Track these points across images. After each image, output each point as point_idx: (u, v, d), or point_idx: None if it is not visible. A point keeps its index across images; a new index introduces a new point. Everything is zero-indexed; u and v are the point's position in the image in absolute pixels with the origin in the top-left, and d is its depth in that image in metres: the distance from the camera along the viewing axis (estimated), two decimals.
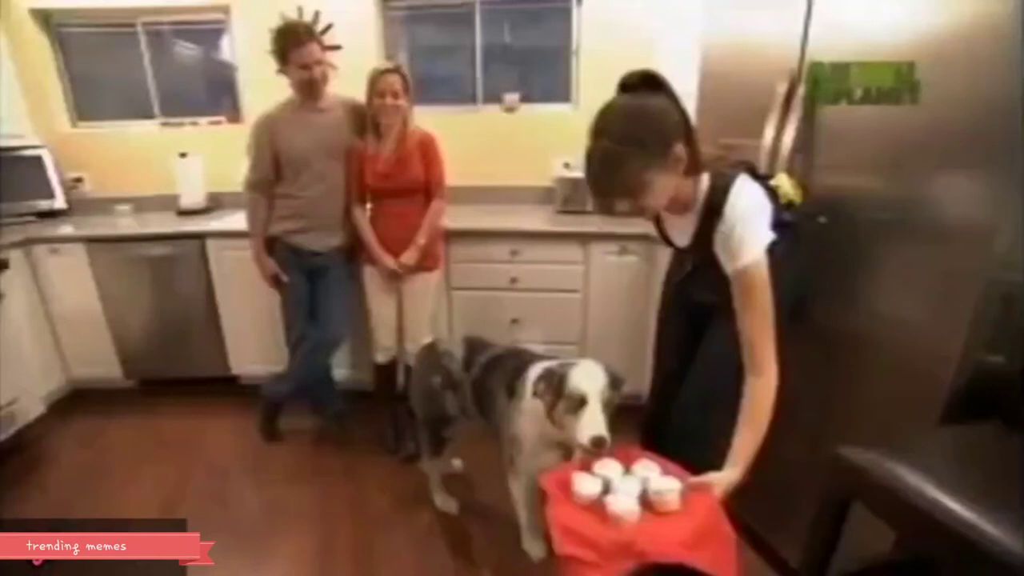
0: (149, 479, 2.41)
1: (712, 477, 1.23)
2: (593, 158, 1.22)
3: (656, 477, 1.27)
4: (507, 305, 2.71)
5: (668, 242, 1.57)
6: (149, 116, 3.32)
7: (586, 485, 1.27)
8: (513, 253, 2.63)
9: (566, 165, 2.99)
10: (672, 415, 1.78)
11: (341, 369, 2.83)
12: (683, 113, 1.23)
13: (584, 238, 2.57)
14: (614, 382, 1.49)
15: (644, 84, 1.23)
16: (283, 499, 2.28)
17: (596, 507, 1.23)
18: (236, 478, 2.43)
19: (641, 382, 2.21)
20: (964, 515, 0.90)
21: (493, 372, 1.84)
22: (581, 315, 2.69)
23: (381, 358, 2.54)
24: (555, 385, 1.50)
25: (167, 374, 3.09)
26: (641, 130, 1.18)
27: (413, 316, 2.46)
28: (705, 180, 1.31)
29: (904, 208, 1.32)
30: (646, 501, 1.21)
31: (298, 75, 2.22)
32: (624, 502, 1.19)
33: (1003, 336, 1.24)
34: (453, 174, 2.44)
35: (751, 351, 1.27)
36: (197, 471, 2.46)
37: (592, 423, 1.40)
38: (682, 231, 1.42)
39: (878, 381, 1.44)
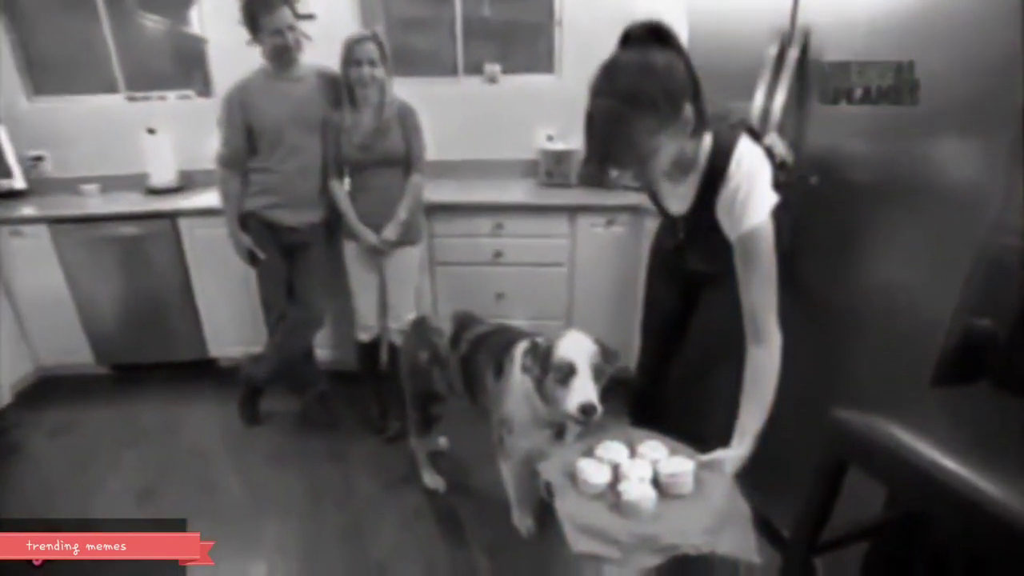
0: (125, 468, 2.33)
1: (722, 455, 1.20)
2: (596, 120, 1.12)
3: (666, 459, 1.22)
4: (492, 280, 2.66)
5: (661, 209, 1.52)
6: (113, 90, 3.16)
7: (595, 473, 1.19)
8: (497, 227, 2.58)
9: (549, 137, 2.93)
10: (664, 390, 1.76)
11: (323, 349, 2.77)
12: (691, 69, 1.14)
13: (570, 210, 2.53)
14: (605, 353, 1.46)
15: (650, 36, 1.13)
16: (266, 484, 2.23)
17: (607, 496, 1.16)
18: (217, 464, 2.37)
19: (630, 358, 2.18)
20: (961, 473, 0.89)
21: (480, 351, 1.80)
22: (567, 289, 2.66)
23: (363, 337, 2.48)
24: (542, 357, 1.47)
25: (142, 358, 2.99)
26: (650, 89, 1.08)
27: (396, 292, 2.40)
28: (707, 141, 1.24)
29: (897, 170, 1.29)
30: (658, 485, 1.16)
31: (270, 42, 2.12)
32: (639, 489, 1.13)
33: (992, 299, 1.24)
34: (433, 148, 2.37)
35: (753, 319, 1.23)
36: (176, 458, 2.39)
37: (581, 390, 1.37)
38: (680, 196, 1.37)
39: (869, 345, 1.43)
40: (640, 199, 2.45)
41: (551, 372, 1.43)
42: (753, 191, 1.19)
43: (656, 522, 1.08)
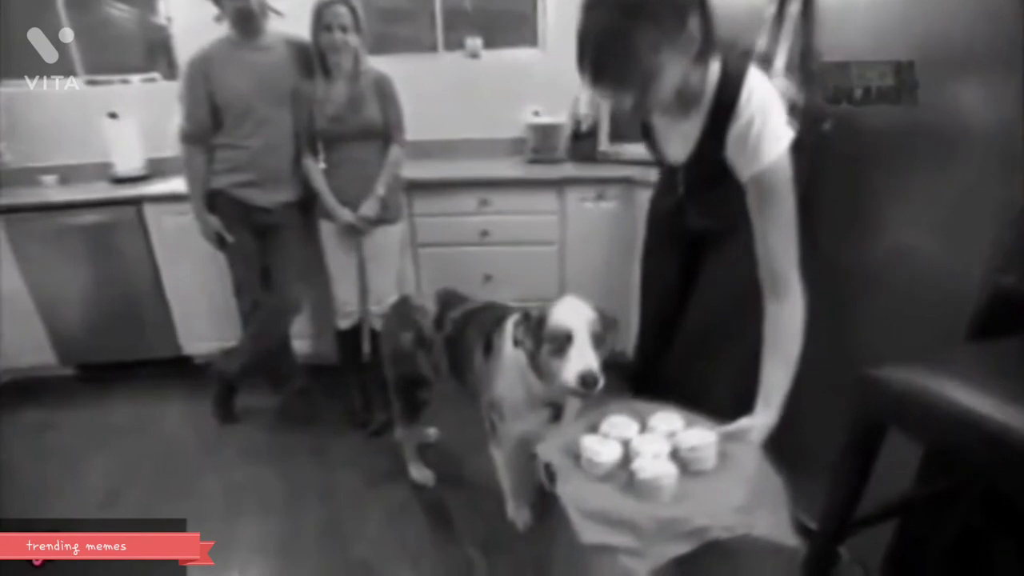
0: (91, 470, 2.16)
1: (746, 423, 1.07)
2: (589, 36, 1.00)
3: (683, 431, 1.07)
4: (478, 261, 2.53)
5: (659, 158, 1.39)
6: (71, 73, 2.98)
7: (602, 450, 1.02)
8: (482, 203, 2.45)
9: (535, 113, 2.80)
10: (667, 363, 1.62)
11: (302, 341, 2.62)
12: None
13: (558, 184, 2.41)
14: (604, 320, 1.32)
15: None
16: (242, 483, 2.07)
17: (618, 476, 1.00)
18: (189, 464, 2.20)
19: (626, 338, 2.05)
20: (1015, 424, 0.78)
21: (467, 329, 1.66)
22: (558, 268, 2.54)
23: (343, 323, 2.33)
24: (535, 327, 1.33)
25: (109, 357, 2.81)
26: None
27: (376, 274, 2.26)
28: (715, 69, 1.11)
29: (916, 116, 1.19)
30: (676, 461, 1.01)
31: (232, 5, 1.97)
32: (656, 466, 0.97)
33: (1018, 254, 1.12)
34: (413, 128, 2.23)
35: (772, 271, 1.10)
36: (145, 460, 2.23)
37: (580, 358, 1.23)
38: (682, 138, 1.23)
39: (888, 305, 1.32)
40: (631, 171, 2.34)
41: (545, 343, 1.30)
42: (768, 123, 1.06)
43: (678, 504, 0.93)
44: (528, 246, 2.51)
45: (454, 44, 2.96)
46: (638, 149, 2.43)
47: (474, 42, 2.90)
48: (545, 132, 2.67)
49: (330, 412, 2.45)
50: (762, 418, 1.07)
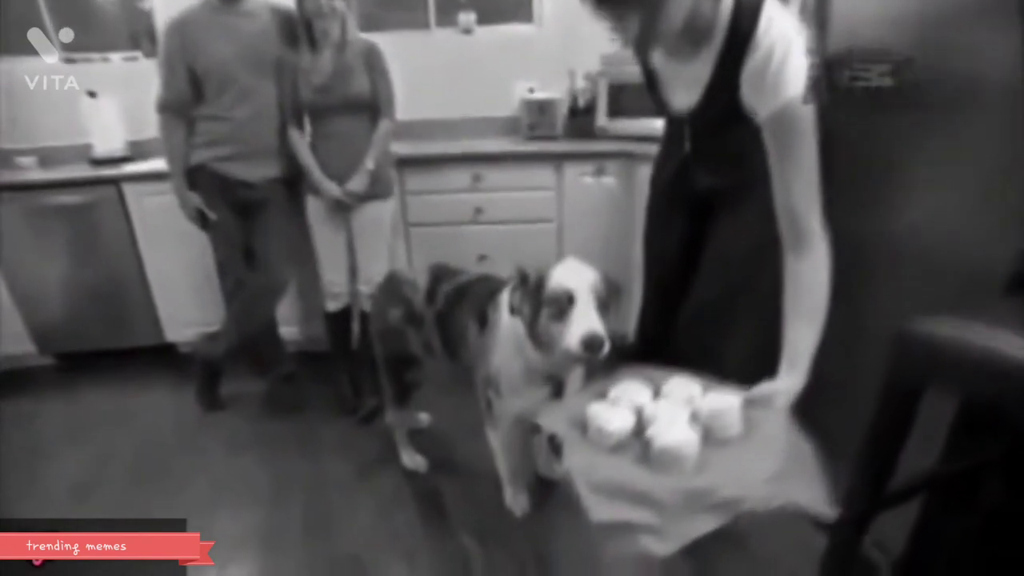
0: (67, 462, 2.05)
1: (769, 388, 0.96)
2: None
3: (702, 397, 0.96)
4: (473, 240, 2.43)
5: (664, 110, 1.29)
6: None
7: (613, 417, 0.91)
8: (475, 179, 2.35)
9: (531, 90, 2.70)
10: (671, 338, 1.53)
11: (290, 327, 2.51)
12: None
13: (555, 159, 2.31)
14: (608, 283, 1.23)
15: None
16: (224, 474, 1.97)
17: (631, 447, 0.90)
18: (169, 454, 2.09)
19: (628, 321, 1.95)
20: None
21: (461, 302, 1.57)
22: (556, 248, 2.45)
23: (332, 305, 2.23)
24: (533, 290, 1.23)
25: (90, 346, 2.70)
26: None
27: (365, 253, 2.16)
28: (727, 3, 1.02)
29: (943, 66, 1.10)
30: (698, 428, 0.90)
31: None
32: (676, 432, 0.85)
33: None
34: (404, 107, 2.14)
35: (793, 221, 1.01)
36: (122, 451, 2.11)
37: (582, 320, 1.14)
38: (691, 82, 1.13)
39: (910, 279, 1.23)
40: (632, 146, 2.25)
41: (545, 307, 1.20)
42: (790, 55, 0.97)
43: (700, 475, 0.82)
44: (524, 224, 2.42)
45: (446, 20, 2.86)
46: (638, 125, 2.38)
47: (467, 17, 2.80)
48: (541, 108, 2.58)
49: (318, 399, 2.35)
50: (788, 381, 0.97)
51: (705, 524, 0.76)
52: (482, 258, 2.44)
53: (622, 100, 2.42)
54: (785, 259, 1.03)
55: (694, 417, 0.91)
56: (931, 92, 1.12)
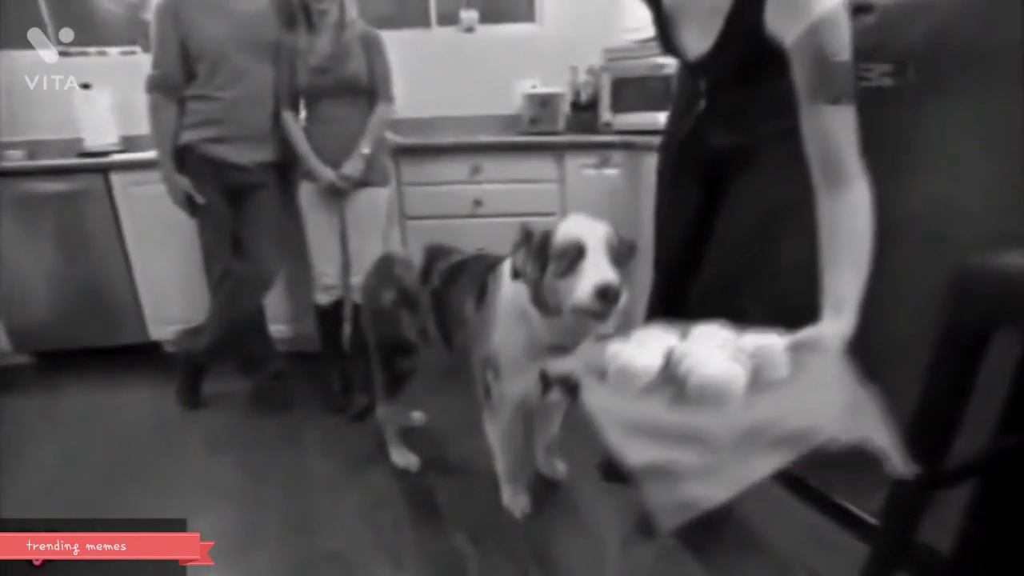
0: (36, 464, 1.91)
1: (815, 332, 0.84)
2: None
3: (737, 336, 0.82)
4: (472, 234, 2.29)
5: (675, 54, 1.21)
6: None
7: (639, 355, 0.77)
8: (475, 171, 2.28)
9: (533, 87, 2.65)
10: (688, 306, 1.43)
11: (279, 325, 2.40)
12: None
13: (557, 150, 2.25)
14: (620, 239, 1.14)
15: None
16: (201, 474, 1.84)
17: (662, 391, 0.75)
18: (143, 454, 1.96)
19: (633, 316, 1.85)
20: None
21: (457, 279, 1.48)
22: None
23: (323, 298, 2.13)
24: (539, 247, 1.14)
25: (70, 344, 2.59)
26: None
27: (359, 242, 2.07)
28: None
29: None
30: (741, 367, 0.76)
31: None
32: (718, 364, 0.72)
33: None
34: (405, 105, 2.09)
35: (829, 159, 0.91)
36: (94, 450, 1.98)
37: (594, 270, 1.04)
38: (707, 19, 1.06)
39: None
40: (636, 137, 2.18)
41: (552, 263, 1.11)
42: None
43: (765, 409, 0.69)
44: (526, 218, 2.29)
45: (447, 19, 2.84)
46: (642, 119, 2.32)
47: (469, 15, 2.77)
48: (543, 102, 2.53)
49: (306, 397, 2.23)
50: (835, 325, 0.84)
51: (766, 464, 0.63)
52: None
53: (626, 95, 2.37)
54: (819, 203, 0.92)
55: (734, 358, 0.76)
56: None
